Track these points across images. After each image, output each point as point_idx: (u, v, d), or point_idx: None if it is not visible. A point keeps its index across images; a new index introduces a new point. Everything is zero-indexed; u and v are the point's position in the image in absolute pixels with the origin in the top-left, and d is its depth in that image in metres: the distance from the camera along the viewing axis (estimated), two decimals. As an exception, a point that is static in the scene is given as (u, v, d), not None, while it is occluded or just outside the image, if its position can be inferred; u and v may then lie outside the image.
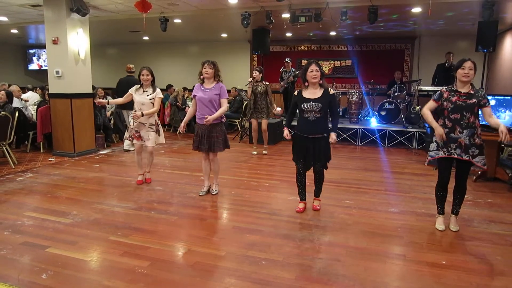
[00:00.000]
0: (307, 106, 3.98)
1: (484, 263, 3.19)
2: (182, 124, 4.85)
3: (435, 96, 3.76)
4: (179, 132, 4.94)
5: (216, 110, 4.54)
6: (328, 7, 7.25)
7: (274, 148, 8.29)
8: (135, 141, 5.20)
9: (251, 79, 7.39)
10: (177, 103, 10.29)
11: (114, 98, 9.93)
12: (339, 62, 12.14)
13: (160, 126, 5.29)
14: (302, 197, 4.38)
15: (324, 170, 4.21)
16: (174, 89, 10.89)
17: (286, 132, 4.21)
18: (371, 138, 8.82)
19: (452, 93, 3.64)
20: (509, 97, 5.50)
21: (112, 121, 8.91)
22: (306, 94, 4.05)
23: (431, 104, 3.78)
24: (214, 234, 3.76)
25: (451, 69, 8.82)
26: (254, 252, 3.31)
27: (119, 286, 2.78)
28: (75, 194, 4.92)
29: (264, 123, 7.39)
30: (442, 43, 10.66)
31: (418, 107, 8.90)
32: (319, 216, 4.17)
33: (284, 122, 5.05)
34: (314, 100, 3.96)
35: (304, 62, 12.46)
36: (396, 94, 9.37)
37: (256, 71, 7.28)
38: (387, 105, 9.22)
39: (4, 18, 9.27)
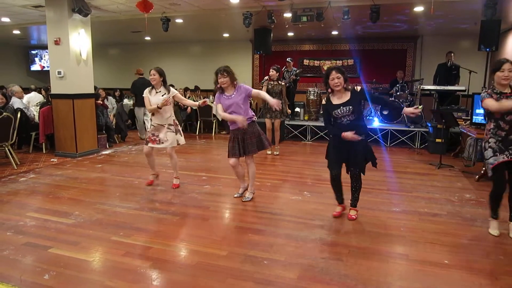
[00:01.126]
0: (338, 112, 3.86)
1: (488, 263, 3.17)
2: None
3: (486, 96, 3.49)
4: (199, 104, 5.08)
5: (245, 112, 4.38)
6: (330, 6, 7.23)
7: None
8: (150, 144, 5.04)
9: (267, 77, 7.37)
10: (179, 103, 10.28)
11: (130, 99, 10.26)
12: (341, 62, 12.11)
13: (179, 126, 5.21)
14: (340, 201, 4.23)
15: (362, 175, 4.01)
16: (176, 89, 10.88)
17: (351, 135, 3.80)
18: (373, 137, 8.79)
19: (498, 95, 3.44)
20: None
21: (114, 122, 8.91)
22: (335, 99, 3.90)
23: (491, 100, 3.45)
24: (216, 234, 3.75)
25: (452, 68, 8.81)
26: (256, 252, 3.30)
27: (121, 286, 2.77)
28: (77, 194, 4.92)
29: (278, 123, 7.39)
30: (444, 42, 10.61)
31: (420, 107, 8.85)
32: (321, 216, 4.15)
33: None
34: (344, 104, 3.83)
35: (306, 61, 12.46)
36: (398, 93, 9.34)
37: (273, 70, 7.25)
38: (389, 105, 9.18)
39: (6, 19, 9.29)
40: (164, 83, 5.02)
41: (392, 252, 3.38)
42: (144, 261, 3.14)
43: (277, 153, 7.49)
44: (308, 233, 3.72)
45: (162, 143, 5.01)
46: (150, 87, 5.06)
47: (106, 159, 7.10)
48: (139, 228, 3.83)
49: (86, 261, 3.15)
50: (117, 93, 11.56)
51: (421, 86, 8.85)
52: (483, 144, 3.71)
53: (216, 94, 4.51)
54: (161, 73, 4.99)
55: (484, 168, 5.56)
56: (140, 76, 9.18)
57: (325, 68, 11.92)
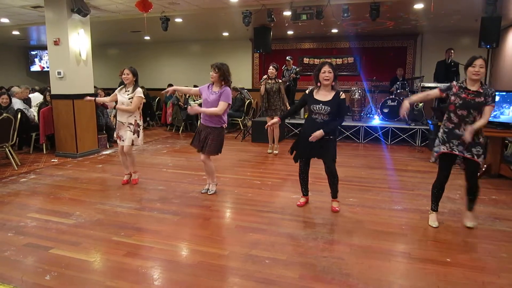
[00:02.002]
0: (316, 108, 3.94)
1: (490, 261, 3.16)
2: (170, 89, 5.00)
3: (443, 87, 3.72)
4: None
5: (217, 116, 4.52)
6: (329, 4, 7.21)
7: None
8: (118, 141, 5.27)
9: (265, 76, 7.35)
10: (179, 103, 10.29)
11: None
12: (341, 60, 12.09)
13: (141, 127, 5.21)
14: (305, 193, 4.49)
15: (335, 171, 4.13)
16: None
17: (274, 120, 4.30)
18: (374, 135, 8.79)
19: (461, 90, 3.58)
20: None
21: (114, 122, 8.90)
22: (317, 95, 3.99)
23: (435, 91, 3.77)
24: (217, 233, 3.75)
25: (451, 65, 8.79)
26: (257, 251, 3.30)
27: (122, 286, 2.77)
28: (78, 194, 4.92)
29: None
30: (445, 40, 10.58)
31: (421, 104, 8.86)
32: (322, 215, 4.15)
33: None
34: (324, 103, 3.91)
35: (306, 60, 12.44)
36: (398, 91, 9.33)
37: (272, 68, 7.24)
38: (389, 102, 9.18)
39: (6, 20, 9.28)
40: (135, 83, 5.13)
41: (394, 250, 3.37)
42: (145, 261, 3.14)
43: (277, 152, 7.48)
44: (309, 232, 3.72)
45: (123, 141, 5.17)
46: (122, 86, 5.23)
47: (107, 159, 7.09)
48: (140, 228, 3.82)
49: (87, 261, 3.15)
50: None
51: (422, 84, 8.83)
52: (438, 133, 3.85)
53: (207, 84, 4.70)
54: (135, 73, 5.11)
55: (485, 166, 5.56)
56: None
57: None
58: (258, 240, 3.53)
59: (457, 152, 3.60)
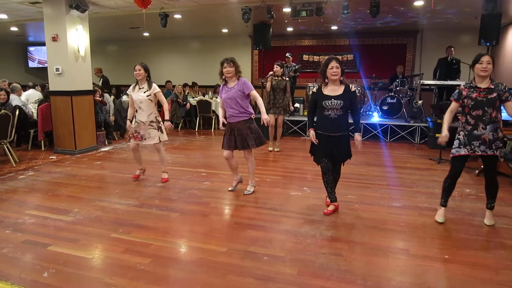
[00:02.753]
0: (328, 103, 3.84)
1: (488, 258, 3.16)
2: (222, 119, 4.63)
3: (455, 96, 3.69)
4: (219, 128, 4.88)
5: (242, 107, 4.44)
6: (329, 0, 7.19)
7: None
8: (132, 140, 5.17)
9: (271, 72, 7.32)
10: (178, 100, 10.27)
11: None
12: (340, 57, 12.04)
13: (162, 123, 5.20)
14: (333, 199, 4.14)
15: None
16: (174, 85, 10.86)
17: (312, 133, 4.00)
18: (373, 132, 8.78)
19: (472, 90, 3.56)
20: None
21: (113, 118, 8.89)
22: (327, 91, 3.90)
23: (453, 105, 3.74)
24: (215, 230, 3.74)
25: (452, 63, 8.77)
26: (256, 248, 3.30)
27: (121, 283, 2.76)
28: (76, 191, 4.91)
29: (281, 119, 7.36)
30: (444, 37, 10.56)
31: (420, 102, 8.85)
32: (321, 211, 4.14)
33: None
34: (336, 97, 3.83)
35: (305, 57, 12.41)
36: (398, 88, 9.32)
37: (277, 66, 7.20)
38: (389, 100, 9.17)
39: (4, 16, 9.23)
40: (148, 78, 5.02)
41: (392, 247, 3.37)
42: (144, 258, 3.13)
43: (278, 149, 7.46)
44: (308, 228, 3.71)
45: (145, 139, 5.10)
46: (134, 84, 5.08)
47: (105, 156, 7.08)
48: (138, 225, 3.81)
49: (85, 258, 3.14)
50: (113, 91, 11.49)
51: (421, 81, 8.82)
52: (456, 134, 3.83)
53: (221, 86, 4.61)
54: (146, 69, 5.00)
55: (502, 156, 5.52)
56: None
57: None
58: (257, 237, 3.53)
59: (480, 153, 3.58)
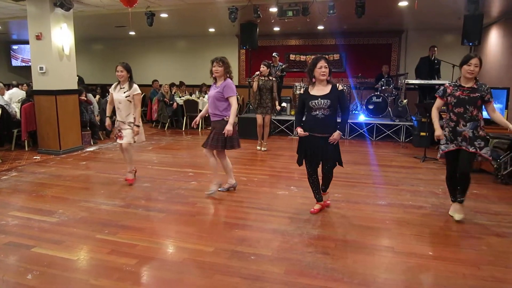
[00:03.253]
0: (315, 103, 3.79)
1: (471, 253, 3.22)
2: (198, 118, 4.79)
3: (440, 93, 3.85)
4: (195, 125, 4.81)
5: (217, 109, 4.45)
6: (315, 1, 7.22)
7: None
8: (118, 140, 5.12)
9: (258, 72, 7.33)
10: (165, 99, 10.21)
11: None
12: (327, 56, 12.06)
13: (141, 123, 5.10)
14: (318, 198, 4.17)
15: (331, 174, 4.07)
16: (160, 85, 10.78)
17: (300, 130, 3.93)
18: (359, 131, 8.86)
19: (456, 88, 3.72)
20: (494, 90, 5.55)
21: (98, 118, 8.79)
22: (314, 91, 3.85)
23: (437, 102, 3.90)
24: (202, 230, 3.73)
25: (435, 62, 8.91)
26: (243, 248, 3.30)
27: (107, 284, 2.74)
28: (61, 192, 4.84)
29: (268, 118, 7.38)
30: (428, 37, 10.70)
31: (405, 101, 8.98)
32: (308, 210, 4.16)
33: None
34: (323, 97, 3.77)
35: (292, 56, 12.44)
36: (383, 88, 9.42)
37: (264, 66, 7.22)
38: (374, 99, 9.27)
39: (-14, 14, 9.05)
40: (130, 79, 4.99)
41: (378, 245, 3.41)
42: (130, 259, 3.11)
43: (265, 149, 7.48)
44: (295, 227, 3.73)
45: (122, 138, 5.06)
46: (117, 82, 5.05)
47: (91, 156, 7.00)
48: (124, 226, 3.78)
49: (70, 260, 3.10)
50: (98, 90, 11.36)
51: (406, 81, 8.94)
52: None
53: (212, 84, 4.63)
54: (128, 69, 4.96)
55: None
56: None
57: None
58: (244, 237, 3.53)
59: (464, 148, 3.70)
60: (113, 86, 5.09)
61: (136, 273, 2.89)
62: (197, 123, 4.79)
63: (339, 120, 3.95)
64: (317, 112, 3.82)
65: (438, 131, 3.86)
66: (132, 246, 3.33)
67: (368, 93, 9.97)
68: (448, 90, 3.77)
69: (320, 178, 4.11)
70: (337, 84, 3.91)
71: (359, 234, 3.60)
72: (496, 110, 3.73)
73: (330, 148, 3.87)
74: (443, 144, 3.86)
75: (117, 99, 4.97)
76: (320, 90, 3.83)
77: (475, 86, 3.66)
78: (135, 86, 4.98)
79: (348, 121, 8.85)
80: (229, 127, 4.38)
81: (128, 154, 5.17)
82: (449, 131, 3.81)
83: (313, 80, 3.84)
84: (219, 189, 4.83)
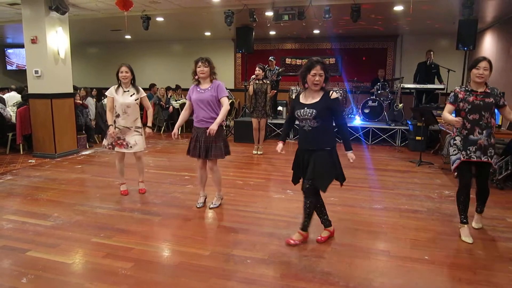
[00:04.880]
0: (300, 113, 3.27)
1: (466, 258, 3.24)
2: (175, 129, 4.31)
3: (451, 99, 3.57)
4: (174, 137, 4.29)
5: (214, 112, 4.08)
6: (311, 5, 7.26)
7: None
8: (117, 149, 4.68)
9: (254, 76, 7.35)
10: (161, 102, 10.20)
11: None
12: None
13: (143, 128, 4.89)
14: (325, 224, 3.59)
15: (321, 191, 3.36)
16: (158, 88, 10.77)
17: (279, 146, 3.54)
18: (355, 135, 8.88)
19: (468, 93, 3.48)
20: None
21: (94, 121, 8.77)
22: (303, 98, 3.34)
23: (448, 107, 3.59)
24: (198, 233, 3.73)
25: (432, 67, 8.97)
26: (239, 251, 3.30)
27: (102, 288, 2.73)
28: (56, 196, 4.82)
29: (263, 122, 7.40)
30: (423, 41, 10.79)
31: (401, 105, 9.01)
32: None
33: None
34: (309, 106, 3.24)
35: (288, 60, 12.48)
36: (379, 92, 9.45)
37: (259, 69, 7.24)
38: (370, 103, 9.29)
39: (-19, 17, 9.03)
40: (133, 81, 4.70)
41: (374, 248, 3.41)
42: (125, 262, 3.10)
43: (261, 152, 7.48)
44: (291, 231, 3.72)
45: (131, 147, 4.67)
46: (116, 86, 4.65)
47: (86, 160, 6.97)
48: (120, 229, 3.77)
49: (65, 263, 3.09)
50: (93, 92, 11.32)
51: (401, 85, 8.98)
52: (450, 140, 3.77)
53: (192, 86, 4.26)
54: (132, 71, 4.65)
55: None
56: None
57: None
58: (240, 240, 3.53)
59: (475, 159, 3.48)
60: (112, 90, 4.61)
61: (132, 277, 2.88)
62: (176, 135, 4.31)
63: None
64: (304, 124, 3.30)
65: (456, 119, 3.45)
66: (127, 250, 3.32)
67: (363, 97, 10.00)
68: (460, 96, 3.49)
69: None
70: (331, 92, 3.32)
71: (355, 237, 3.60)
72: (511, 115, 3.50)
73: (316, 164, 3.26)
74: (454, 155, 3.57)
75: (124, 103, 4.56)
76: (309, 97, 3.31)
77: (487, 91, 3.43)
78: (140, 88, 4.76)
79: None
80: (214, 126, 3.96)
81: (141, 163, 4.91)
82: (460, 139, 3.55)
83: (306, 85, 3.30)
84: (211, 206, 4.42)
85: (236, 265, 3.05)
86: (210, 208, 4.38)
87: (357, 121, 9.41)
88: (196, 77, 4.19)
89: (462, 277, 2.90)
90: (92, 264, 3.09)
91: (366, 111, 9.31)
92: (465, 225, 3.62)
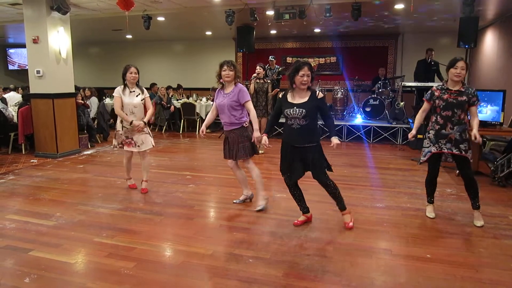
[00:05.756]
0: (290, 112, 3.50)
1: (468, 256, 3.23)
2: (203, 127, 4.37)
3: (427, 96, 3.89)
4: (202, 134, 4.33)
5: (234, 116, 4.09)
6: (312, 4, 7.25)
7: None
8: (126, 148, 4.81)
9: (255, 74, 7.37)
10: (162, 102, 10.21)
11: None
12: (323, 59, 12.18)
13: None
14: (303, 210, 3.91)
15: (328, 181, 3.68)
16: (158, 88, 10.78)
17: (264, 139, 3.76)
18: (357, 134, 8.89)
19: (443, 91, 3.76)
20: (490, 92, 5.61)
21: (95, 121, 8.79)
22: (291, 97, 3.58)
23: (424, 105, 3.94)
24: (200, 233, 3.73)
25: (432, 65, 8.96)
26: (241, 250, 3.30)
27: (104, 288, 2.74)
28: (58, 195, 4.83)
29: (264, 121, 7.39)
30: (424, 39, 10.77)
31: (402, 103, 9.00)
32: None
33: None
34: (298, 106, 3.48)
35: (289, 59, 12.47)
36: (380, 90, 9.45)
37: (260, 68, 7.26)
38: (371, 102, 9.29)
39: (-18, 17, 9.05)
40: (137, 81, 4.82)
41: (376, 247, 3.41)
42: (127, 262, 3.10)
43: (262, 151, 7.48)
44: (293, 230, 3.74)
45: (138, 146, 4.79)
46: (122, 86, 4.74)
47: (88, 159, 6.99)
48: (122, 229, 3.78)
49: (68, 263, 3.09)
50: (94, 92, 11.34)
51: (403, 83, 8.97)
52: (424, 134, 4.03)
53: (217, 90, 4.29)
54: (138, 72, 4.79)
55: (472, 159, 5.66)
56: None
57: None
58: (242, 239, 3.53)
59: (446, 151, 3.77)
60: (119, 90, 4.71)
61: (134, 276, 2.88)
62: (204, 132, 4.36)
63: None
64: (292, 122, 3.53)
65: (413, 132, 3.95)
66: (129, 249, 3.33)
67: (365, 95, 10.00)
68: (436, 94, 3.80)
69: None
70: (317, 92, 3.59)
71: (357, 236, 3.60)
72: (476, 115, 3.74)
73: (309, 159, 3.56)
74: (426, 147, 3.90)
75: (131, 104, 4.67)
76: (297, 97, 3.55)
77: (462, 89, 3.70)
78: (144, 88, 4.88)
79: (346, 124, 8.93)
80: (256, 134, 4.07)
81: (146, 161, 4.99)
82: (433, 133, 3.84)
83: (294, 86, 3.53)
84: (234, 201, 4.55)
85: (238, 265, 3.06)
86: (256, 211, 4.26)
87: (359, 119, 9.41)
88: (221, 80, 4.16)
89: (464, 275, 2.90)
90: (94, 264, 3.10)
91: (368, 109, 9.31)
92: (431, 204, 4.14)
